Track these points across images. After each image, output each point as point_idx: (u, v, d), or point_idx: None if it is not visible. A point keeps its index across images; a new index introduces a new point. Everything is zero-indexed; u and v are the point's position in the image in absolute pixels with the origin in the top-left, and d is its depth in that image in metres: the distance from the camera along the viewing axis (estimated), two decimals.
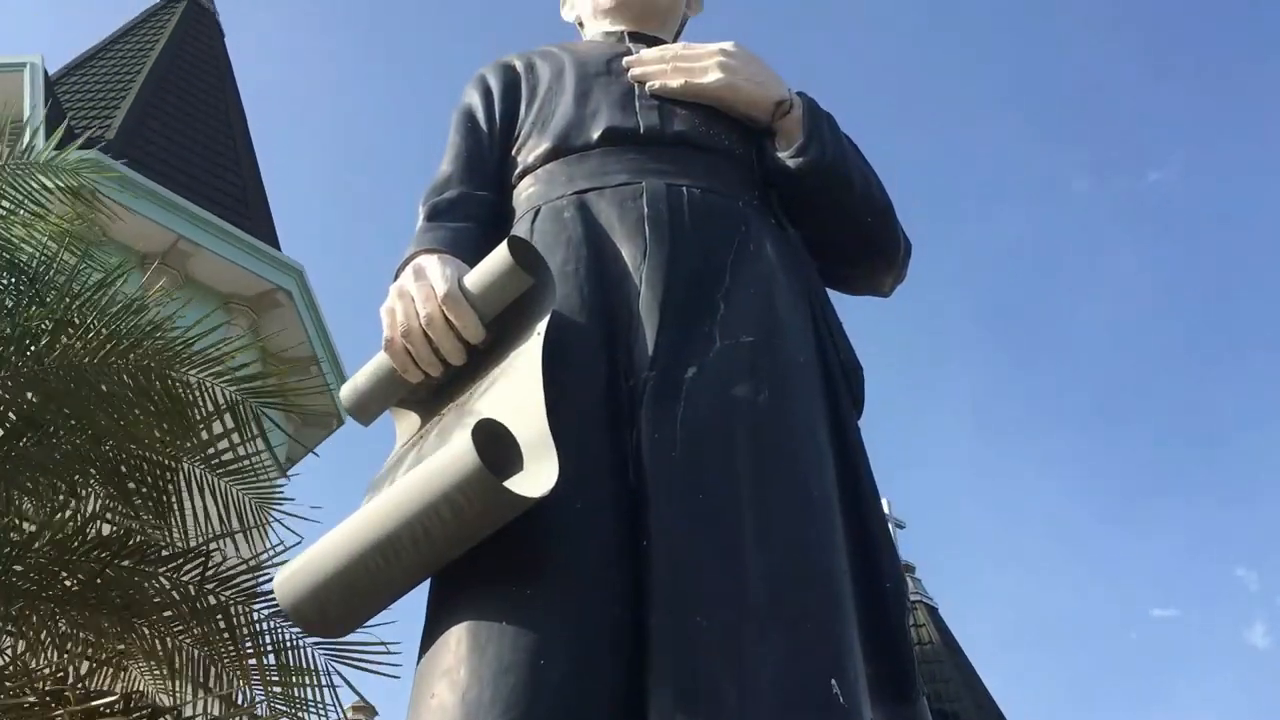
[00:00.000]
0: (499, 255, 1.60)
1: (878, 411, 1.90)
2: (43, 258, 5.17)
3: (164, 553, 4.95)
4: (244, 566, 5.07)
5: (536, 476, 1.39)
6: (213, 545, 5.06)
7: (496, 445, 1.41)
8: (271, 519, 5.72)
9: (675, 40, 2.32)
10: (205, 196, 11.74)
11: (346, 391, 1.71)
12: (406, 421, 1.74)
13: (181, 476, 5.31)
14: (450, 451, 1.36)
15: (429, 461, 1.40)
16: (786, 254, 1.82)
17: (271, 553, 5.16)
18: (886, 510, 6.91)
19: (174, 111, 12.99)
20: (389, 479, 1.57)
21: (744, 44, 2.03)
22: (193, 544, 5.17)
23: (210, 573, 4.98)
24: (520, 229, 1.83)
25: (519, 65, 2.12)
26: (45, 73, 11.18)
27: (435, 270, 1.66)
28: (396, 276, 1.75)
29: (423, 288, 1.64)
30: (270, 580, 5.05)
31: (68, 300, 4.89)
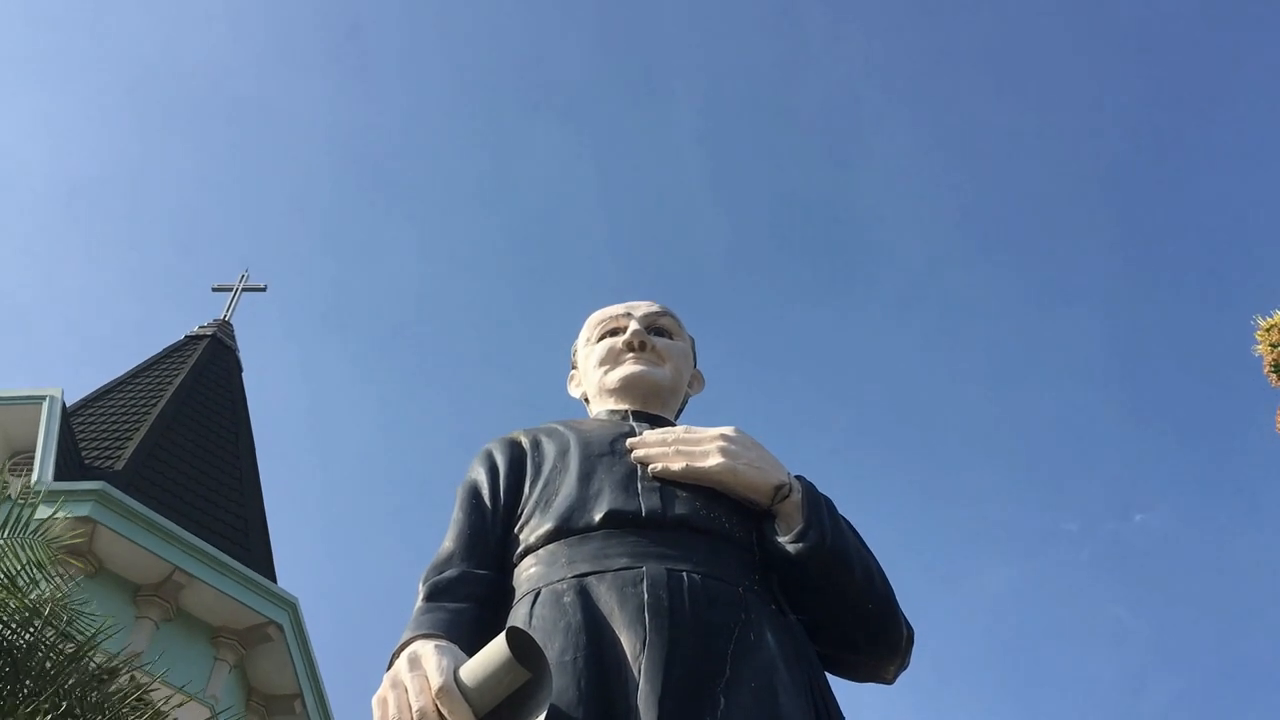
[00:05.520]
0: (497, 648, 1.58)
1: None
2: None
3: None
4: None
5: None
6: None
7: None
8: None
9: (677, 419, 2.39)
10: (205, 527, 11.74)
11: None
12: None
13: None
14: None
15: None
16: (788, 642, 1.80)
17: None
18: None
19: (185, 443, 13.24)
20: None
21: (743, 428, 2.09)
22: None
23: None
24: (519, 612, 1.81)
25: (525, 442, 2.18)
26: (63, 405, 11.50)
27: (431, 661, 1.63)
28: (391, 662, 1.72)
29: (417, 679, 1.61)
30: None
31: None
